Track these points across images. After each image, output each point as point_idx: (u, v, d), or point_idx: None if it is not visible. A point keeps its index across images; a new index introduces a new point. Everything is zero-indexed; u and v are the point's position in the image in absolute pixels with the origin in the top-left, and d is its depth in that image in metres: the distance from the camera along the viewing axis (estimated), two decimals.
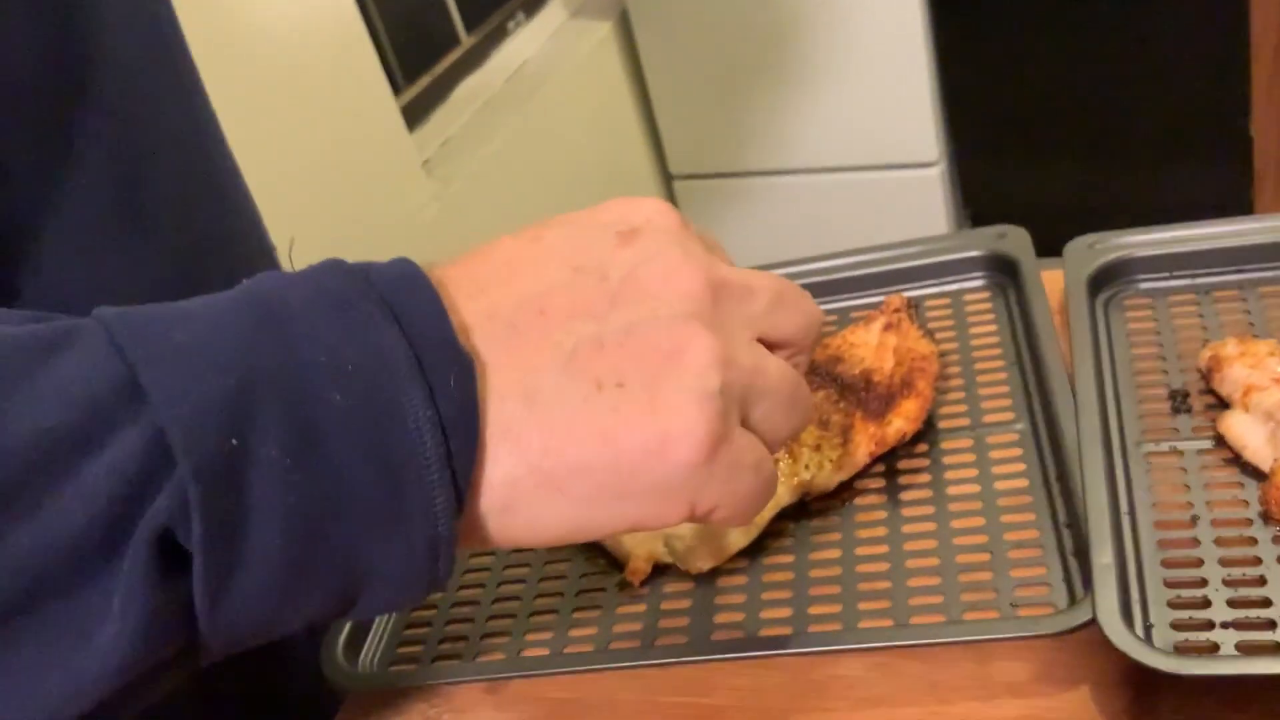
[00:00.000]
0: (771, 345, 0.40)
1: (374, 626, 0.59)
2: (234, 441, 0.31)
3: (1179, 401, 0.58)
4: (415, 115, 1.89)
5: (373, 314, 0.34)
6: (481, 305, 0.36)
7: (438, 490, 0.33)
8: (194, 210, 0.60)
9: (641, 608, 0.57)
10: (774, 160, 2.21)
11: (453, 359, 0.34)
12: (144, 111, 0.56)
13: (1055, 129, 2.10)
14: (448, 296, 0.36)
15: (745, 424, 0.38)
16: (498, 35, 2.11)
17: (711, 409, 0.35)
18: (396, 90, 1.81)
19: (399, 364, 0.33)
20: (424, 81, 1.94)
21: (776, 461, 0.59)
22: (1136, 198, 2.04)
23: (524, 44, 2.15)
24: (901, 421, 0.60)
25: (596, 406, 0.35)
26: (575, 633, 0.57)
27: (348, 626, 0.58)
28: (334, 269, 0.36)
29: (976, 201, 2.16)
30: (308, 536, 0.32)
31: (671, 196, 2.33)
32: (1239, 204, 1.95)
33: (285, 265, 0.77)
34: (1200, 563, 0.50)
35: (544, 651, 0.56)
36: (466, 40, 2.04)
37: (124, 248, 0.55)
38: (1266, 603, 0.47)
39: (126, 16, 0.56)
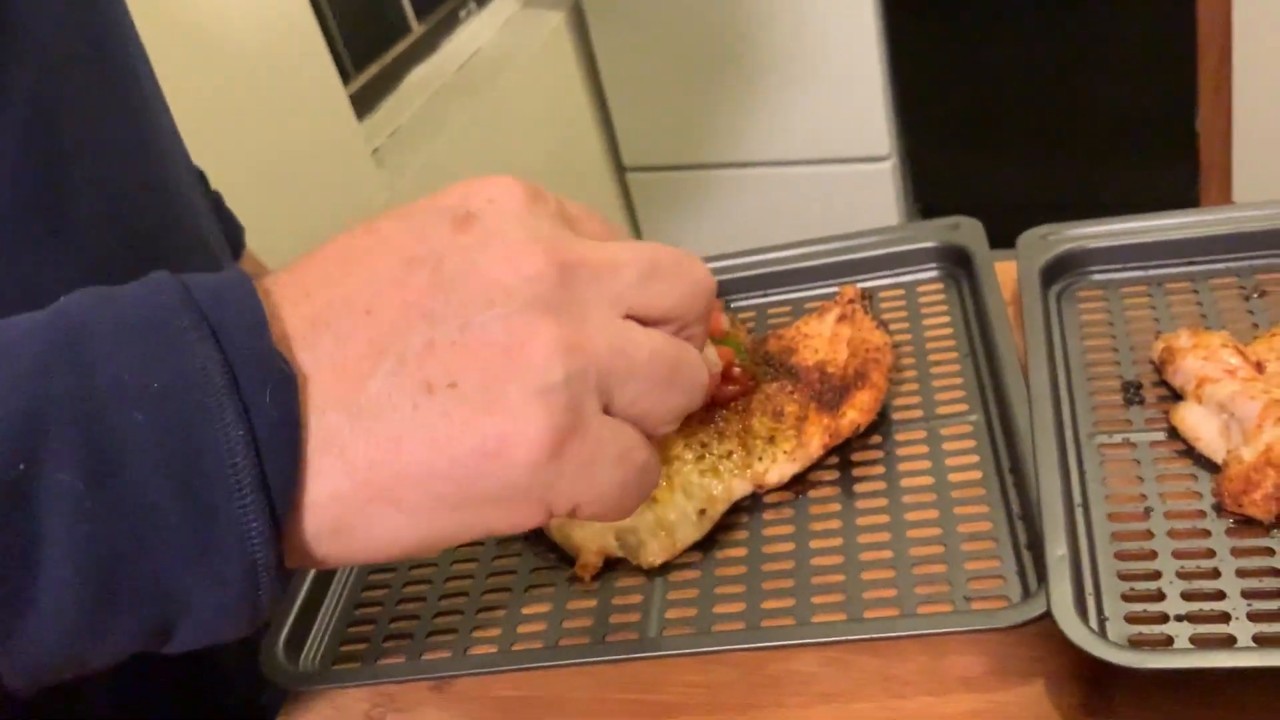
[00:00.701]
0: (651, 321, 0.37)
1: (316, 623, 0.58)
2: (21, 466, 0.29)
3: (1132, 393, 0.58)
4: (365, 104, 1.86)
5: (185, 330, 0.32)
6: (305, 311, 0.34)
7: (252, 514, 0.31)
8: (121, 209, 0.57)
9: (592, 603, 0.56)
10: (727, 153, 2.20)
11: (269, 373, 0.32)
12: (65, 109, 0.53)
13: (1006, 124, 2.12)
14: (271, 304, 0.34)
15: (611, 410, 0.36)
16: (449, 23, 2.09)
17: (554, 403, 0.33)
18: (345, 78, 1.79)
19: (210, 382, 0.31)
20: (373, 69, 1.91)
21: (729, 455, 0.59)
22: (1086, 192, 2.06)
23: (476, 33, 2.12)
24: (855, 413, 0.59)
25: (427, 411, 0.33)
26: (524, 629, 0.55)
27: (289, 623, 0.57)
28: (154, 283, 0.34)
29: (928, 195, 2.17)
30: (107, 567, 0.30)
31: (625, 188, 2.31)
32: (1185, 199, 1.98)
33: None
34: (1154, 555, 0.49)
35: (492, 649, 0.55)
36: (417, 28, 2.01)
37: (39, 248, 0.52)
38: (1220, 595, 0.47)
39: (52, 12, 0.54)
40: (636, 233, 2.37)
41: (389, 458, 0.33)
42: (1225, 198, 1.95)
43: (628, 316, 0.36)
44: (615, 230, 0.40)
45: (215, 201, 0.86)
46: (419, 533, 0.34)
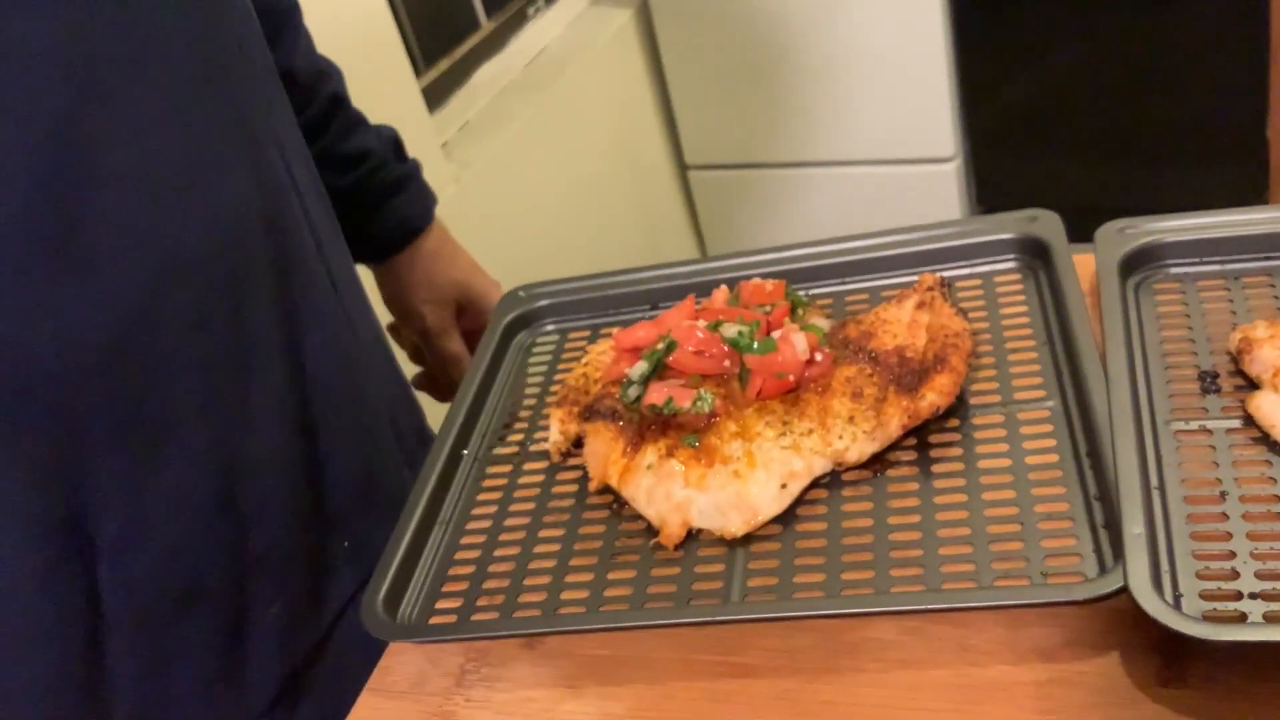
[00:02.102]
0: None
1: (412, 581, 0.61)
2: None
3: (1208, 382, 0.59)
4: (435, 98, 1.90)
5: None
6: None
7: None
8: (160, 243, 0.56)
9: (676, 570, 0.58)
10: (789, 153, 2.21)
11: None
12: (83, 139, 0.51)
13: (1071, 126, 2.11)
14: None
15: None
16: (517, 20, 2.12)
17: None
18: (418, 73, 1.82)
19: None
20: (444, 65, 1.95)
21: (809, 433, 0.61)
22: (1151, 196, 2.05)
23: (544, 30, 2.16)
24: (934, 395, 0.61)
25: None
26: (611, 592, 0.58)
27: (388, 580, 0.59)
28: None
29: (991, 197, 2.17)
30: None
31: (687, 186, 2.33)
32: (1253, 205, 1.96)
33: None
34: (1229, 536, 0.51)
35: (580, 609, 0.57)
36: (487, 25, 2.05)
37: (48, 289, 0.51)
38: None
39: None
40: (696, 231, 2.39)
41: None
42: None
43: None
44: None
45: (405, 173, 0.88)
46: None
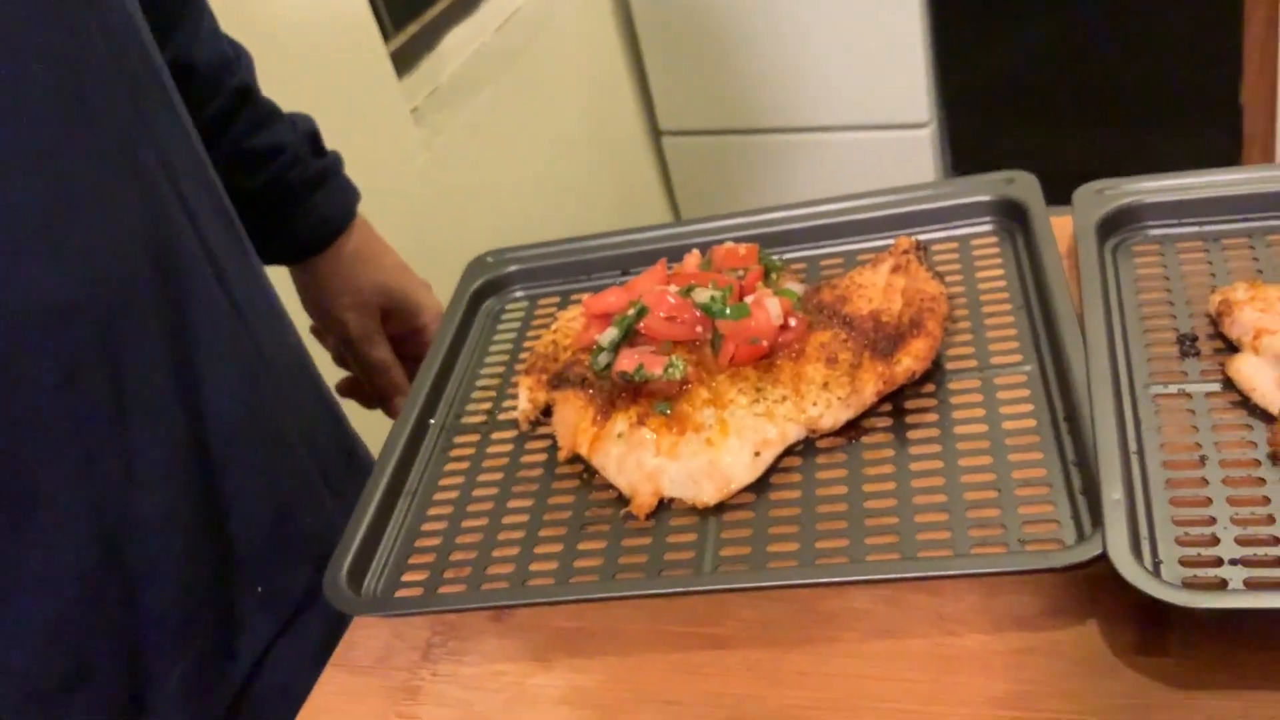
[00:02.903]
0: None
1: (378, 554, 0.59)
2: None
3: (1187, 345, 0.58)
4: (404, 63, 1.86)
5: None
6: None
7: None
8: (21, 284, 0.51)
9: (647, 540, 0.57)
10: (763, 119, 2.19)
11: None
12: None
13: (1046, 92, 2.10)
14: None
15: None
16: None
17: None
18: (386, 37, 1.79)
19: None
20: (413, 29, 1.91)
21: (783, 400, 0.60)
22: (1126, 162, 2.04)
23: None
24: (910, 360, 0.60)
25: None
26: (581, 564, 0.56)
27: (352, 553, 0.58)
28: None
29: (966, 163, 2.15)
30: None
31: (660, 152, 2.31)
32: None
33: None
34: (1208, 501, 0.50)
35: (549, 581, 0.56)
36: None
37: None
38: (1275, 540, 0.47)
39: None
40: (670, 198, 2.37)
41: None
42: None
43: None
44: None
45: (326, 169, 0.81)
46: None
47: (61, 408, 0.53)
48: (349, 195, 0.84)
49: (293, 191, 0.80)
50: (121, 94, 0.57)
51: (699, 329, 0.63)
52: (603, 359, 0.62)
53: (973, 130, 2.14)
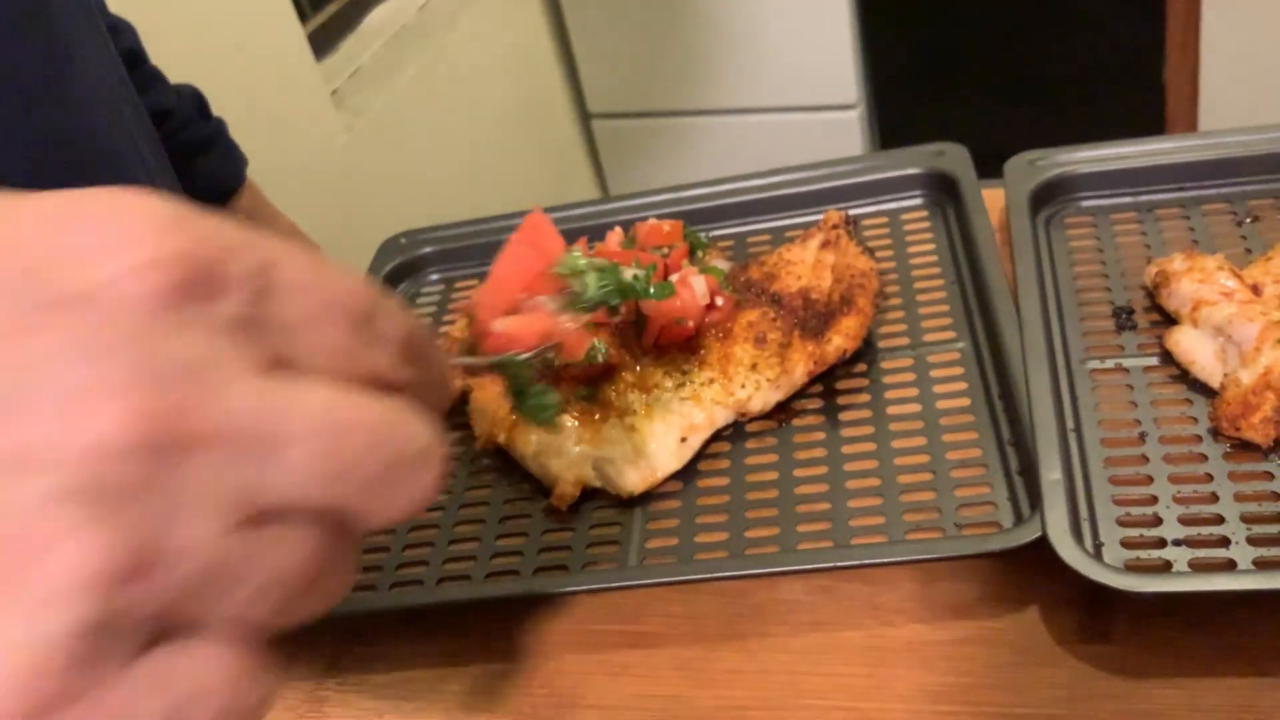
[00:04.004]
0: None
1: None
2: None
3: (1124, 318, 0.56)
4: (323, 44, 1.81)
5: None
6: None
7: None
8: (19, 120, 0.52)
9: (569, 534, 0.54)
10: (694, 100, 2.17)
11: None
12: None
13: (973, 72, 2.10)
14: None
15: (186, 635, 0.23)
16: None
17: (52, 657, 0.21)
18: (303, 17, 1.73)
19: None
20: (332, 8, 1.85)
21: (710, 383, 0.57)
22: (1052, 140, 2.05)
23: None
24: (841, 339, 0.57)
25: None
26: (499, 561, 0.53)
27: None
28: None
29: (895, 144, 2.14)
30: None
31: (590, 135, 2.28)
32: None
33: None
34: (1150, 480, 0.48)
35: (464, 580, 0.53)
36: None
37: None
38: (1219, 520, 0.46)
39: None
40: (600, 181, 2.34)
41: None
42: None
43: (264, 514, 0.23)
44: (370, 348, 0.26)
45: (212, 133, 0.82)
46: None
47: None
48: (238, 158, 0.85)
49: (183, 153, 0.79)
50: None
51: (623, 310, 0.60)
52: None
53: (901, 111, 2.14)
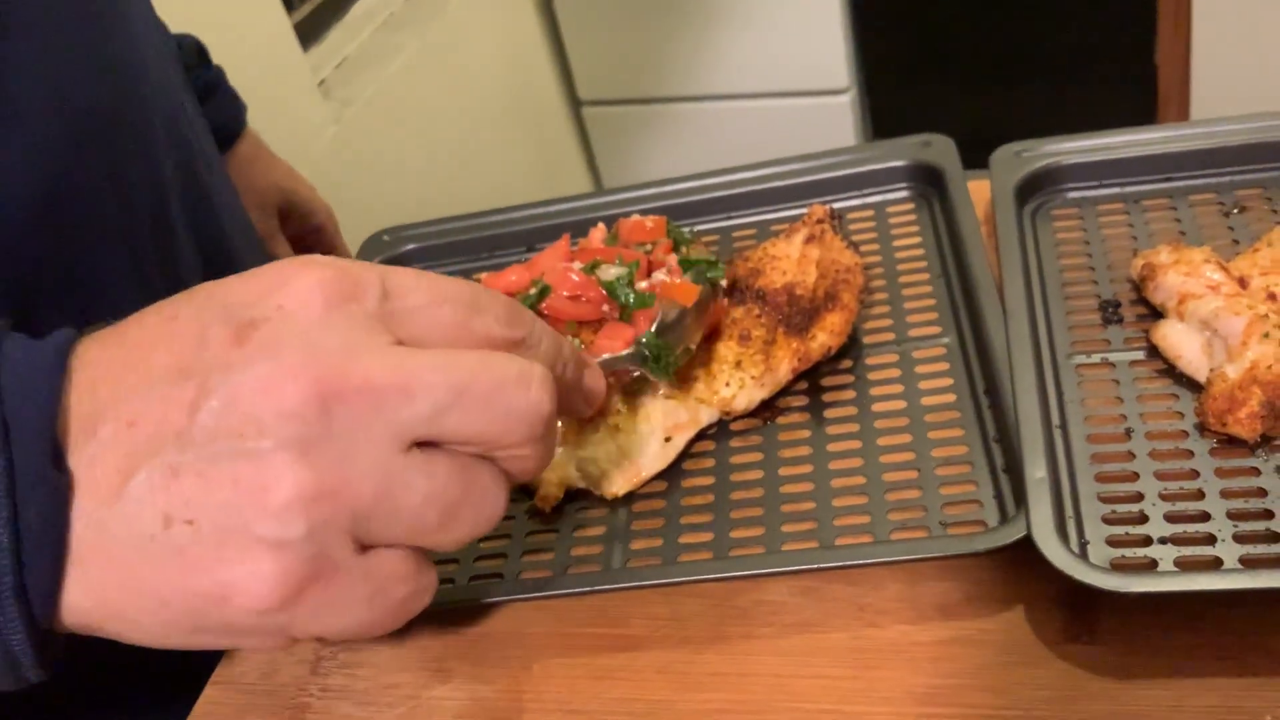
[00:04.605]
0: (450, 444, 0.34)
1: None
2: None
3: (1110, 312, 0.56)
4: (310, 33, 1.79)
5: None
6: (85, 408, 0.33)
7: (4, 616, 0.32)
8: (68, 92, 0.53)
9: (553, 535, 0.54)
10: (684, 87, 2.16)
11: (42, 481, 0.32)
12: None
13: (965, 57, 2.09)
14: (71, 388, 0.33)
15: (375, 544, 0.34)
16: None
17: (288, 557, 0.32)
18: (289, 7, 1.72)
19: None
20: None
21: (694, 381, 0.56)
22: (1044, 124, 2.04)
23: None
24: (825, 335, 0.57)
25: (162, 545, 0.32)
26: (482, 563, 0.53)
27: None
28: None
29: (887, 129, 2.14)
30: None
31: (580, 122, 2.26)
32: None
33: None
34: (1136, 477, 0.48)
35: (448, 584, 0.52)
36: None
37: None
38: (1205, 517, 0.45)
39: None
40: (592, 170, 2.33)
41: (123, 585, 0.32)
42: None
43: (418, 444, 0.33)
44: (477, 319, 0.35)
45: (214, 80, 0.84)
46: (166, 643, 0.34)
47: (113, 213, 0.56)
48: (239, 105, 0.87)
49: None
50: None
51: (605, 308, 0.59)
52: None
53: (893, 96, 2.13)
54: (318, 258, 0.34)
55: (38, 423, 0.32)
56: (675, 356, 0.54)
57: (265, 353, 0.32)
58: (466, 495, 0.34)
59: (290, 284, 0.33)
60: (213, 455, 0.31)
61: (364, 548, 0.33)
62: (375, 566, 0.33)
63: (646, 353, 0.53)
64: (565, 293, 0.59)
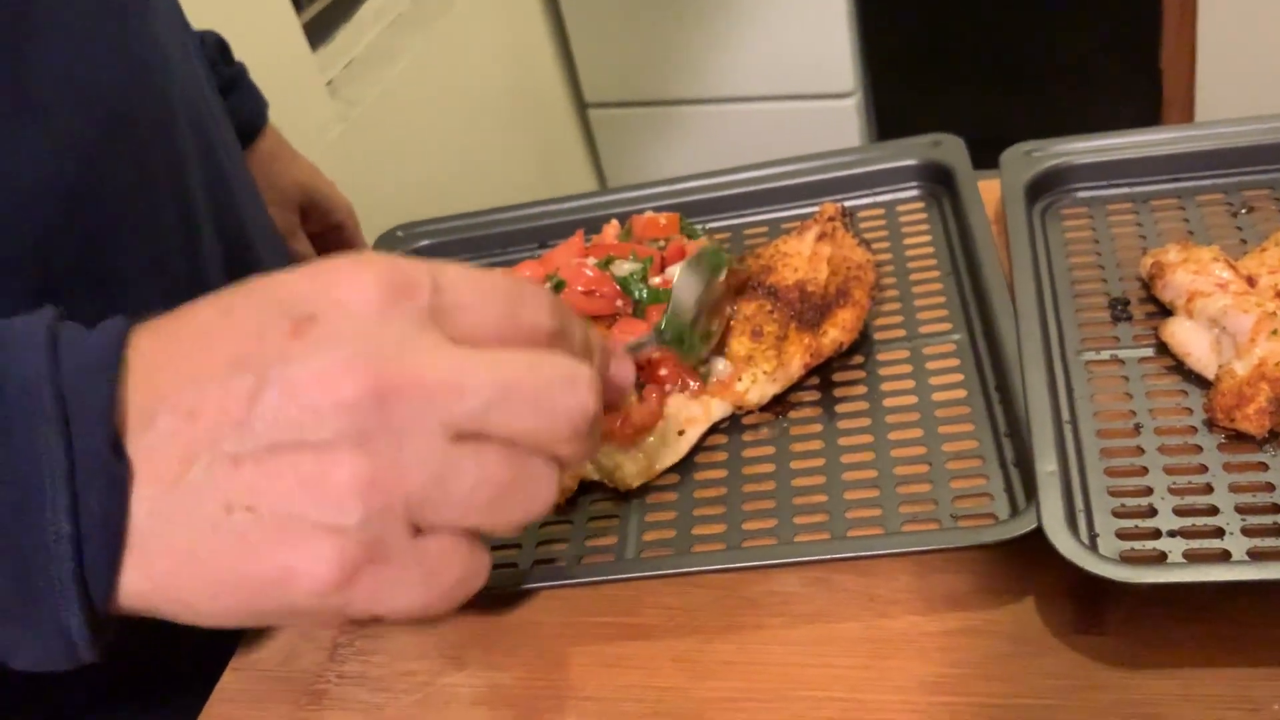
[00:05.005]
0: (496, 441, 0.35)
1: None
2: None
3: (1119, 309, 0.56)
4: (318, 34, 1.80)
5: (35, 413, 0.33)
6: (142, 398, 0.34)
7: (64, 600, 0.33)
8: (94, 89, 0.53)
9: (566, 526, 0.54)
10: (690, 89, 2.16)
11: (103, 469, 0.33)
12: None
13: (970, 60, 2.09)
14: (128, 377, 0.34)
15: (428, 529, 0.35)
16: None
17: (346, 542, 0.33)
18: (298, 7, 1.73)
19: (46, 473, 0.32)
20: None
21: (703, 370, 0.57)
22: (1049, 128, 2.04)
23: None
24: (837, 332, 0.58)
25: (224, 532, 0.33)
26: (496, 553, 0.53)
27: None
28: (25, 344, 0.34)
29: (892, 132, 2.14)
30: None
31: (586, 124, 2.27)
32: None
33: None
34: (1145, 471, 0.48)
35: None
36: None
37: (6, 135, 0.49)
38: (1214, 511, 0.46)
39: None
40: (597, 171, 2.33)
41: (182, 569, 0.33)
42: None
43: (467, 437, 0.34)
44: (524, 315, 0.36)
45: (236, 75, 0.85)
46: (223, 624, 0.35)
47: (139, 208, 0.56)
48: (260, 101, 0.87)
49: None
50: None
51: (619, 303, 0.60)
52: None
53: (898, 99, 2.13)
54: (372, 254, 0.35)
55: (98, 411, 0.33)
56: (694, 336, 0.55)
57: (324, 346, 0.33)
58: (516, 480, 0.35)
59: (347, 280, 0.34)
60: (272, 445, 0.32)
61: (418, 531, 0.34)
62: (429, 550, 0.34)
63: (667, 335, 0.53)
64: (580, 288, 0.60)
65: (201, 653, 0.57)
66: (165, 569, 0.33)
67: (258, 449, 0.32)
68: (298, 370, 0.33)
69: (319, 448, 0.32)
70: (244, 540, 0.32)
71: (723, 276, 0.58)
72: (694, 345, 0.55)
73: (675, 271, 0.59)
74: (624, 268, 0.61)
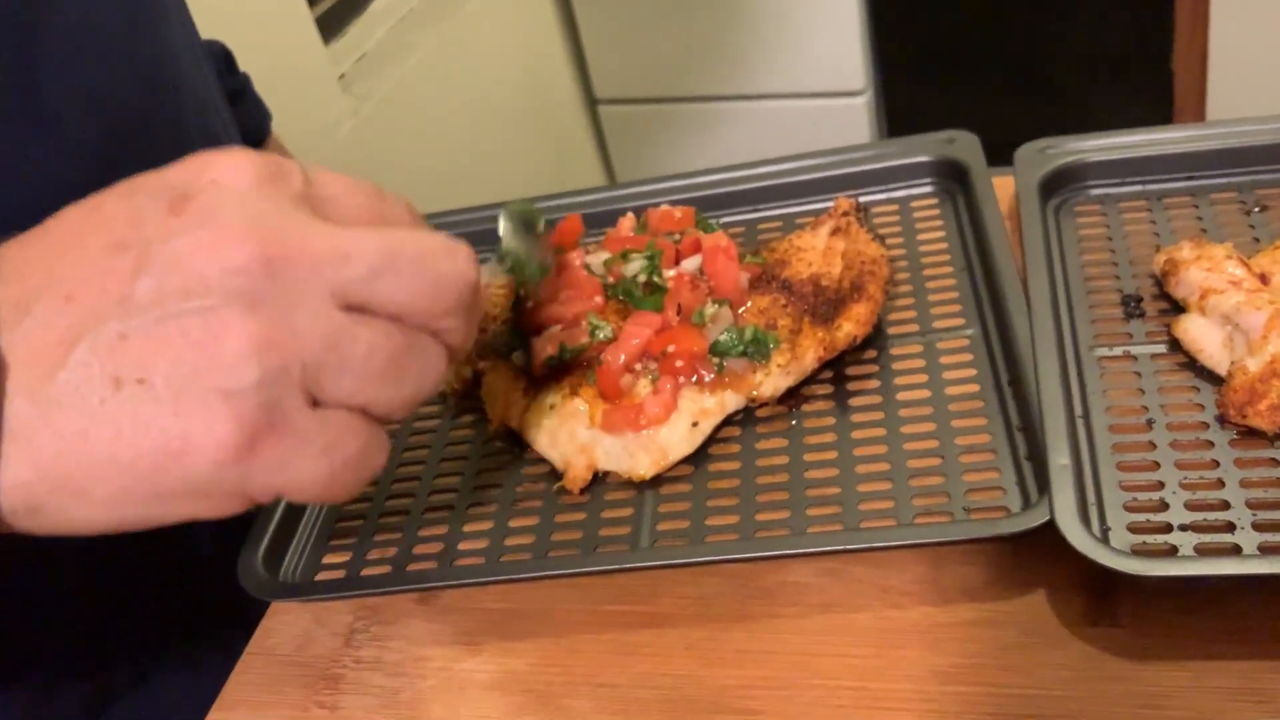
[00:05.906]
0: (383, 315, 0.36)
1: (297, 535, 0.56)
2: None
3: (1132, 306, 0.57)
4: (331, 28, 1.81)
5: None
6: (13, 293, 0.33)
7: None
8: (105, 96, 0.54)
9: (581, 515, 0.55)
10: (700, 87, 2.17)
11: None
12: None
13: (981, 59, 2.10)
14: None
15: (324, 402, 0.35)
16: None
17: (244, 404, 0.32)
18: (311, 1, 1.73)
19: None
20: None
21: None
22: (1059, 128, 2.04)
23: None
24: (851, 325, 0.58)
25: (114, 407, 0.32)
26: (512, 541, 0.54)
27: (268, 535, 0.55)
28: None
29: (902, 131, 2.14)
30: None
31: (596, 121, 2.28)
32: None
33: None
34: (1157, 466, 0.49)
35: (478, 561, 0.53)
36: None
37: (13, 131, 0.49)
38: (1225, 506, 0.46)
39: None
40: (607, 168, 2.34)
41: (73, 450, 0.33)
42: None
43: (354, 308, 0.35)
44: (388, 209, 0.38)
45: (240, 86, 0.85)
46: (113, 520, 0.34)
47: None
48: (264, 112, 0.88)
49: None
50: None
51: (598, 299, 0.60)
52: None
53: (909, 98, 2.13)
54: (237, 147, 0.36)
55: None
56: (532, 264, 0.57)
57: (205, 218, 0.33)
58: (409, 351, 0.36)
59: (219, 163, 0.35)
60: (160, 316, 0.32)
61: (316, 404, 0.34)
62: (329, 420, 0.34)
63: (507, 263, 0.56)
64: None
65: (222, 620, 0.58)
66: (53, 453, 0.33)
67: (145, 322, 0.32)
68: (181, 242, 0.33)
69: (210, 313, 0.32)
70: (137, 414, 0.32)
71: (540, 226, 0.59)
72: (532, 273, 0.57)
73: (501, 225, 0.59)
74: (634, 265, 0.61)
